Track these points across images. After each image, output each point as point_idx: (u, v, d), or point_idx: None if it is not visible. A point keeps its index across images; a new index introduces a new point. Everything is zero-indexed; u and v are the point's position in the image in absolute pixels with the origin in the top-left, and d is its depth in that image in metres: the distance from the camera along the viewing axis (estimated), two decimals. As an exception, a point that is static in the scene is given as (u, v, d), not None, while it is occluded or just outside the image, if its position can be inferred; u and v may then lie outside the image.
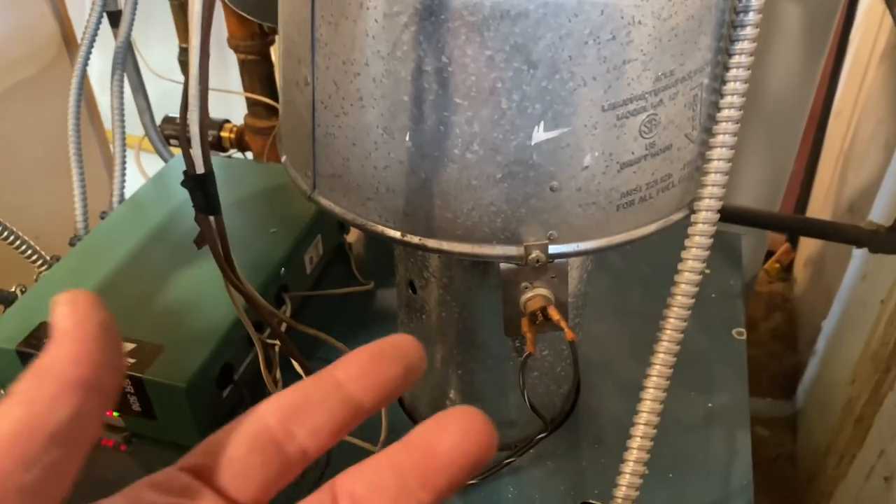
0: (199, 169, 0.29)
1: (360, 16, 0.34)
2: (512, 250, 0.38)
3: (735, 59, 0.36)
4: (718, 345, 0.64)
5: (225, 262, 0.32)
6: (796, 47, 0.86)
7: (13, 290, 0.61)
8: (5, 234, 0.61)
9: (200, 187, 0.30)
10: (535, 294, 0.40)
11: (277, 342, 0.51)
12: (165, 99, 0.92)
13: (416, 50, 0.34)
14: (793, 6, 0.83)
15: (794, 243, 1.42)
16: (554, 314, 0.39)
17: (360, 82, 0.36)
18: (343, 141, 0.38)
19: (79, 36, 1.15)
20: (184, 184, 0.30)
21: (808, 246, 1.33)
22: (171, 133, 0.89)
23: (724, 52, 0.37)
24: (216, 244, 0.32)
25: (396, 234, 0.39)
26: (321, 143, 0.39)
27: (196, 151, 0.29)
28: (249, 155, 0.96)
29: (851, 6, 1.06)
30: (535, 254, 0.37)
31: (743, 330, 0.66)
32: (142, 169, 0.90)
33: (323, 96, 0.38)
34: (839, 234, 0.71)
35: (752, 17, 0.35)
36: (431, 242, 0.39)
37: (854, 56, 1.18)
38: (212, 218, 0.31)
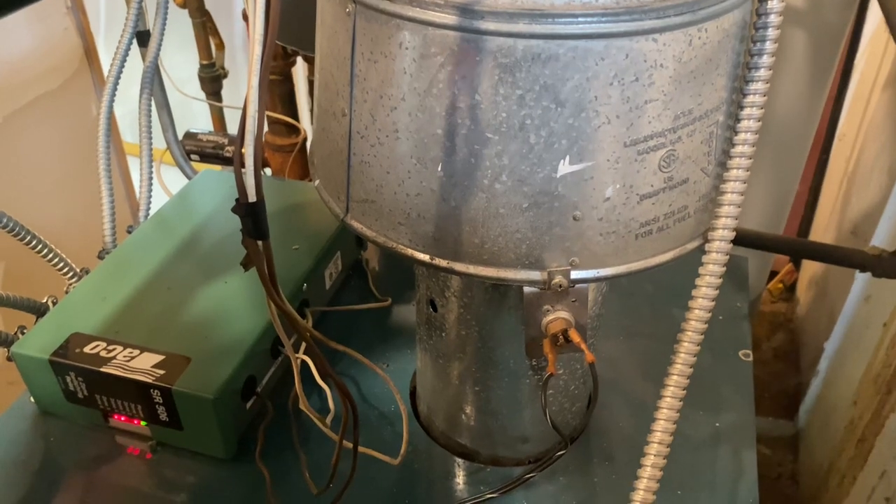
0: (252, 198, 0.31)
1: (398, 55, 0.36)
2: (536, 275, 0.40)
3: (749, 99, 0.38)
4: (725, 365, 0.66)
5: (270, 284, 0.34)
6: (802, 72, 0.88)
7: (45, 301, 0.63)
8: (39, 246, 0.63)
9: (251, 214, 0.32)
10: (556, 317, 0.42)
11: (303, 357, 0.53)
12: (177, 110, 0.92)
13: (451, 87, 0.36)
14: (799, 32, 0.85)
15: (797, 264, 1.44)
16: (575, 336, 0.41)
17: (396, 115, 0.38)
18: (377, 169, 0.40)
19: (100, 50, 1.18)
20: (235, 210, 0.32)
21: (812, 266, 1.35)
22: (191, 148, 0.92)
23: (738, 91, 0.39)
24: (263, 267, 0.34)
25: (426, 258, 0.41)
26: (356, 171, 0.41)
27: (249, 181, 0.31)
28: (268, 171, 0.98)
29: (856, 32, 1.08)
30: (557, 279, 0.40)
31: (749, 351, 0.67)
32: (162, 182, 0.92)
33: (359, 127, 0.40)
34: (844, 258, 0.73)
35: (765, 59, 0.38)
36: (459, 266, 0.41)
37: (858, 81, 1.20)
38: (259, 242, 0.34)
